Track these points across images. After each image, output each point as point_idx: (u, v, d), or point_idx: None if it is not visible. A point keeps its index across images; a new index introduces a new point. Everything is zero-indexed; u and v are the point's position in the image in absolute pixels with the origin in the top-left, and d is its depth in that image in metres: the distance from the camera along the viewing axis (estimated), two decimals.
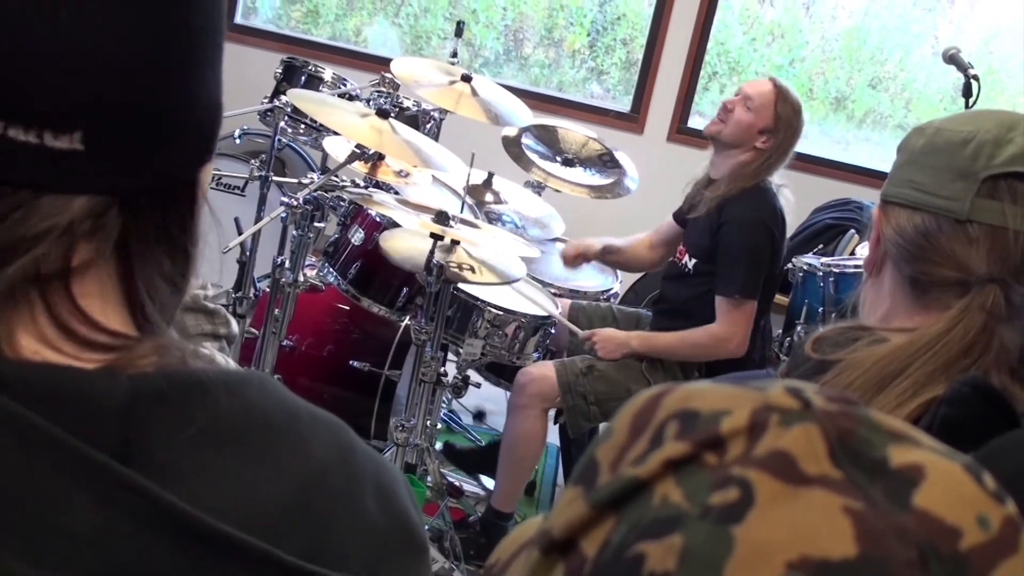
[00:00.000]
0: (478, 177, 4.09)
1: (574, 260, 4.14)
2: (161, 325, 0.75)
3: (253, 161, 3.78)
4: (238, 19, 6.08)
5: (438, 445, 3.53)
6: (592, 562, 0.50)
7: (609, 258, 4.17)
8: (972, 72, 3.54)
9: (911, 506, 0.48)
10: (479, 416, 4.68)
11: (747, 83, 3.69)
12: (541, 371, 3.61)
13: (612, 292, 4.25)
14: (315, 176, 3.38)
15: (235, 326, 1.38)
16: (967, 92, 3.55)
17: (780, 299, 4.01)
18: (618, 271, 4.36)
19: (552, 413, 3.69)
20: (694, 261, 3.66)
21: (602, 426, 4.03)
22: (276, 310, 3.43)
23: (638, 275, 4.86)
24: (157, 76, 0.71)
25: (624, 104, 6.09)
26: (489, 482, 4.00)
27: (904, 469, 0.49)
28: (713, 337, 3.54)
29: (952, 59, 3.59)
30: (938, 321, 1.24)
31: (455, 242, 3.18)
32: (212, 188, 4.48)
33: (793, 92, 3.63)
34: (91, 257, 0.71)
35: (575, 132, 4.64)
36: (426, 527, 3.42)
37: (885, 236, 1.37)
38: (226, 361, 1.32)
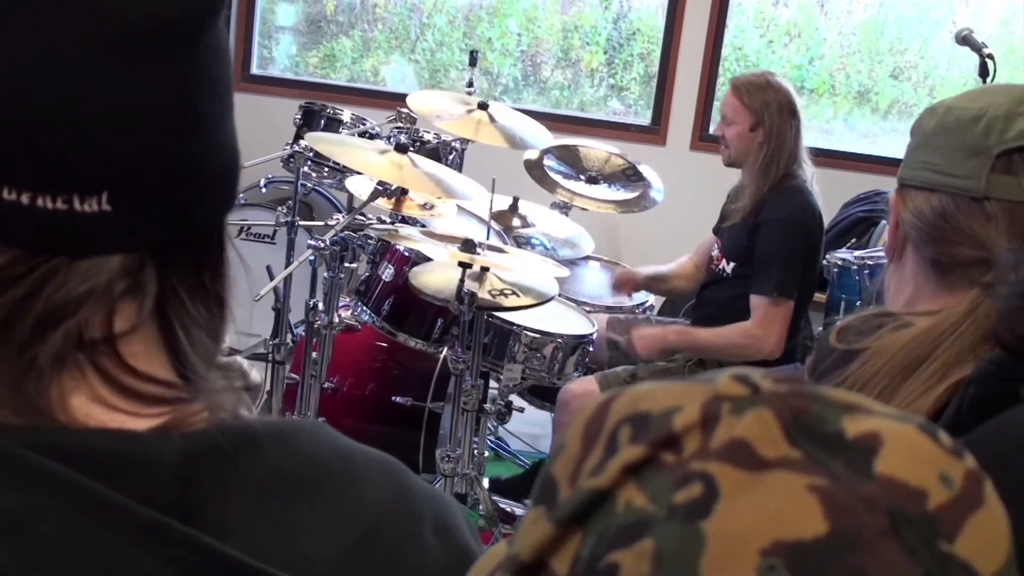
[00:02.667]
0: (504, 203, 4.10)
1: (620, 288, 4.13)
2: (206, 375, 0.76)
3: (280, 208, 3.81)
4: (254, 70, 6.11)
5: (484, 481, 3.52)
6: None
7: (656, 286, 4.17)
8: (987, 51, 3.51)
9: (874, 474, 0.48)
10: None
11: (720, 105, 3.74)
12: (583, 386, 3.61)
13: (647, 305, 4.23)
14: (341, 217, 3.39)
15: (255, 375, 1.37)
16: (983, 72, 3.52)
17: (818, 296, 3.98)
18: None
19: None
20: (732, 264, 3.66)
21: None
22: (314, 353, 3.43)
23: None
24: (178, 129, 0.72)
25: (646, 118, 6.09)
26: None
27: (861, 439, 0.49)
28: (748, 336, 3.53)
29: (965, 40, 3.56)
30: (962, 302, 1.22)
31: (484, 269, 3.18)
32: (242, 239, 4.52)
33: (752, 75, 3.69)
34: (134, 320, 0.72)
35: (596, 150, 4.63)
36: None
37: (904, 220, 1.35)
38: (250, 412, 1.32)
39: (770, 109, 3.57)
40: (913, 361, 1.18)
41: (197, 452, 0.69)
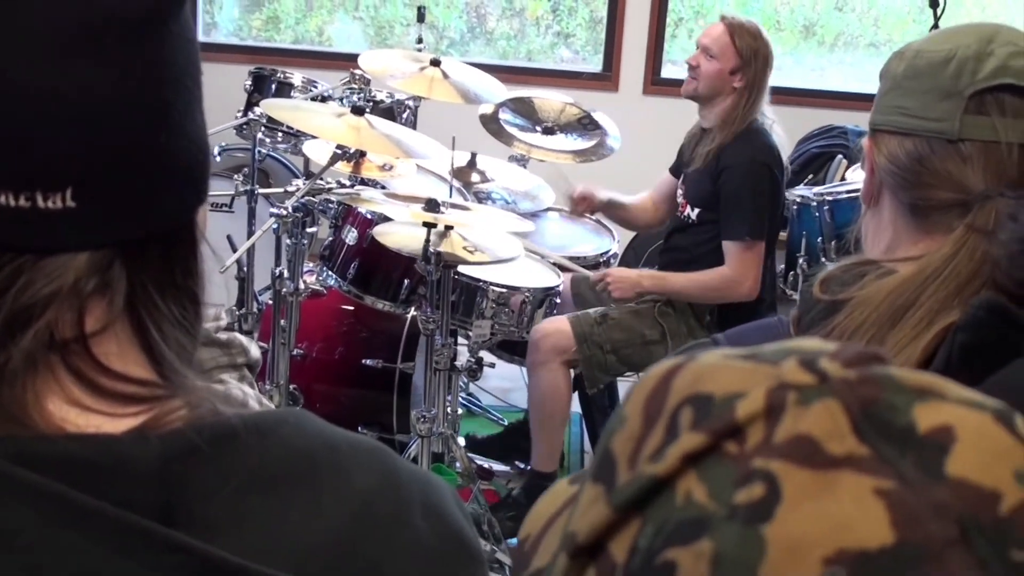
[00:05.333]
0: (462, 159, 4.08)
1: (579, 203, 4.12)
2: (183, 371, 0.74)
3: (236, 176, 3.77)
4: (200, 37, 6.03)
5: (460, 439, 3.54)
6: (623, 569, 0.49)
7: (613, 212, 4.17)
8: None
9: (945, 475, 0.46)
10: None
11: (701, 35, 3.71)
12: (555, 325, 3.64)
13: (611, 254, 4.24)
14: (300, 183, 3.37)
15: (255, 351, 1.36)
16: (933, 2, 3.53)
17: (779, 236, 4.00)
18: (614, 232, 4.36)
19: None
20: (697, 211, 3.67)
21: (623, 382, 4.04)
22: (282, 321, 3.42)
23: (633, 235, 4.86)
24: (143, 121, 0.70)
25: (595, 64, 6.07)
26: (520, 463, 4.02)
27: (933, 433, 0.47)
28: (725, 280, 3.56)
29: None
30: (943, 245, 1.22)
31: (448, 227, 3.17)
32: None
33: (746, 21, 3.66)
34: (105, 319, 0.71)
35: (551, 100, 4.62)
36: None
37: (878, 165, 1.36)
38: (252, 388, 1.31)
39: (757, 59, 3.57)
40: (899, 309, 1.18)
41: (176, 453, 0.68)
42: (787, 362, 0.49)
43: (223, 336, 1.28)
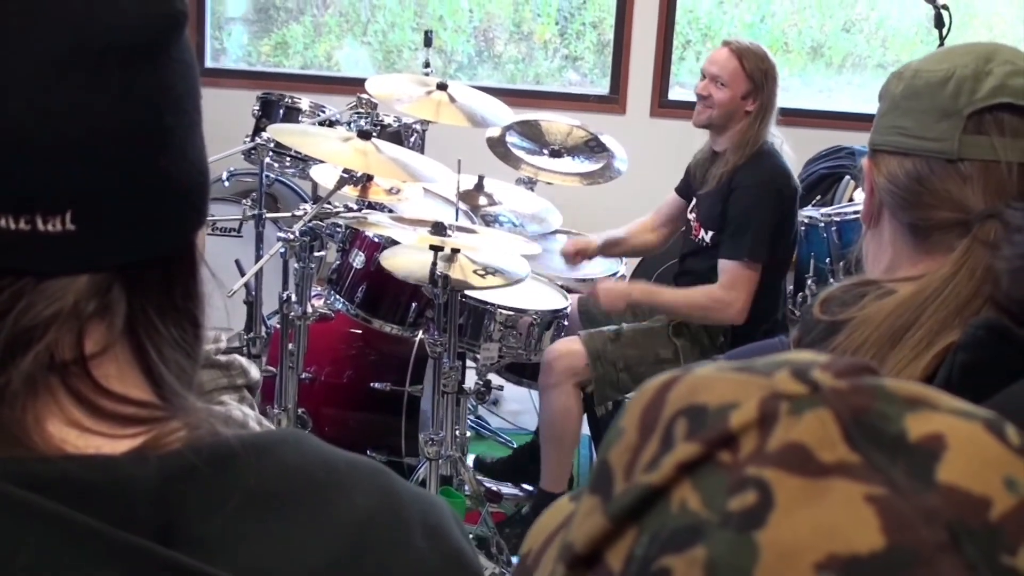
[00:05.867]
0: (469, 182, 4.09)
1: (574, 259, 4.13)
2: (182, 393, 0.75)
3: (245, 201, 3.78)
4: (208, 63, 6.07)
5: (469, 459, 3.53)
6: None
7: (612, 251, 4.17)
8: (941, 2, 3.53)
9: (935, 482, 0.46)
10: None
11: (707, 62, 3.70)
12: (567, 346, 3.64)
13: (619, 275, 4.24)
14: (307, 207, 3.38)
15: (255, 372, 1.36)
16: (939, 23, 3.54)
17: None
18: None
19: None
20: (711, 233, 3.65)
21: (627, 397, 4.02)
22: (289, 345, 3.43)
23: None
24: (143, 146, 0.71)
25: (603, 87, 6.08)
26: (528, 486, 4.01)
27: (924, 441, 0.48)
28: (713, 299, 3.52)
29: None
30: (943, 265, 1.22)
31: (455, 250, 3.18)
32: (208, 234, 4.47)
33: (750, 44, 3.65)
34: (104, 341, 0.71)
35: (558, 123, 4.63)
36: (470, 535, 3.42)
37: (878, 185, 1.36)
38: (252, 410, 1.31)
39: (768, 82, 3.56)
40: (899, 329, 1.18)
41: (174, 473, 0.68)
42: (780, 373, 0.50)
43: (223, 358, 1.28)
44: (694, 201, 3.81)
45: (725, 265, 3.52)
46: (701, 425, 0.50)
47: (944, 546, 0.45)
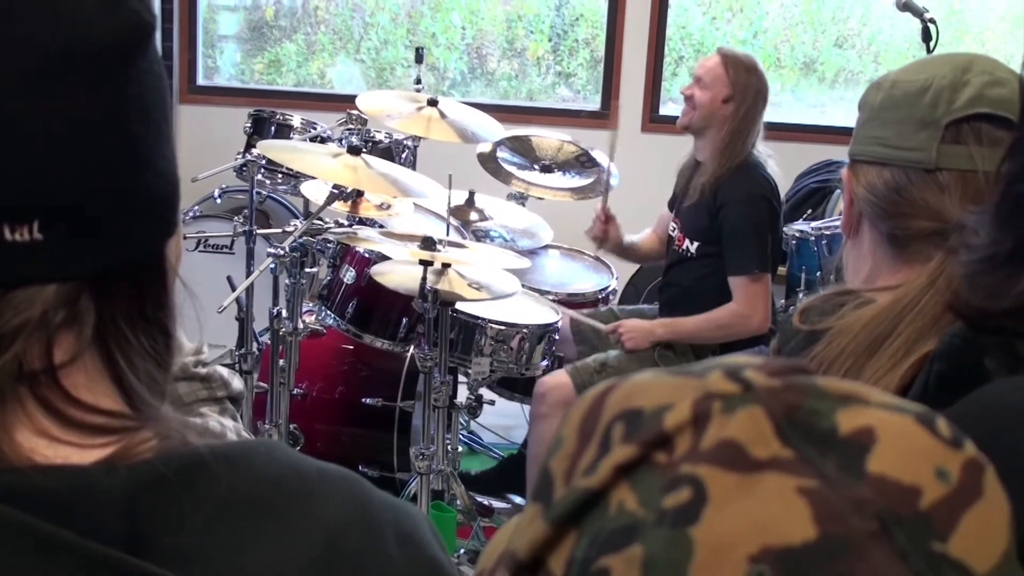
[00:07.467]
0: (460, 197, 4.09)
1: (604, 224, 4.02)
2: (153, 404, 0.75)
3: (236, 218, 3.78)
4: (200, 80, 6.06)
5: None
6: None
7: (630, 253, 4.17)
8: (928, 16, 3.54)
9: (866, 474, 0.47)
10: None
11: (697, 66, 3.73)
12: (557, 380, 3.64)
13: (610, 290, 4.24)
14: (298, 223, 3.38)
15: (237, 383, 1.36)
16: (926, 37, 3.55)
17: (779, 270, 4.00)
18: (613, 269, 4.36)
19: None
20: (696, 244, 3.68)
21: None
22: (281, 361, 3.43)
23: (634, 270, 4.87)
24: (110, 156, 0.70)
25: (594, 103, 6.09)
26: (517, 498, 4.00)
27: (855, 435, 0.48)
28: (735, 316, 3.56)
29: (906, 6, 3.58)
30: (921, 275, 1.23)
31: (445, 265, 3.18)
32: (200, 251, 4.49)
33: (742, 53, 3.70)
34: (73, 350, 0.71)
35: (548, 138, 4.63)
36: (462, 550, 3.42)
37: (857, 196, 1.36)
38: (234, 421, 1.31)
39: (748, 91, 3.59)
40: (877, 338, 1.19)
41: (144, 483, 0.68)
42: (712, 374, 0.51)
43: (203, 370, 1.28)
44: (675, 212, 3.84)
45: (736, 282, 3.56)
46: (637, 428, 0.50)
47: (875, 534, 0.45)
